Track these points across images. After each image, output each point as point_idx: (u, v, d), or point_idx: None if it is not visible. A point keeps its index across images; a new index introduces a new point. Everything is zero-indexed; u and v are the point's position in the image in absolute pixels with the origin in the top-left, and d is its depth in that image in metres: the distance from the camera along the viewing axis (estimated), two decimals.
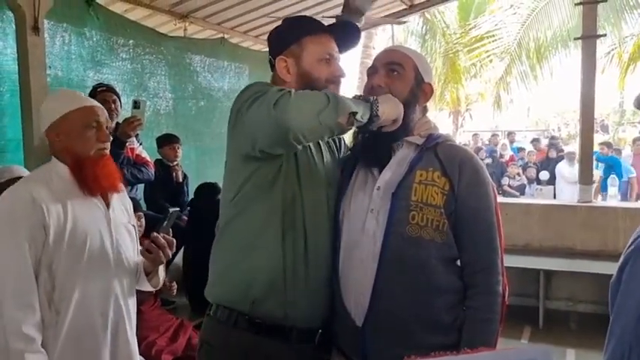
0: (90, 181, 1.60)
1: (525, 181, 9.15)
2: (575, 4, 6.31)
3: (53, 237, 1.49)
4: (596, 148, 7.43)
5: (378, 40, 13.16)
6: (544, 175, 9.02)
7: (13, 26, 3.19)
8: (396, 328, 1.37)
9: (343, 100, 1.31)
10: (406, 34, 14.90)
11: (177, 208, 1.66)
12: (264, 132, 1.30)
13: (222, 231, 1.49)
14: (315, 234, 1.44)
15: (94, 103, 1.70)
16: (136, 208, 2.99)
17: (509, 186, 9.05)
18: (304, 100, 1.29)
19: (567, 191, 7.63)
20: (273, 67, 1.51)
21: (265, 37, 6.01)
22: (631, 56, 12.17)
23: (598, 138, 11.07)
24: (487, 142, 12.71)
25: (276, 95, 1.28)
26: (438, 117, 16.18)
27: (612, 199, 6.56)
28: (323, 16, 4.96)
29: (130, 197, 3.19)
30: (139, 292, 2.85)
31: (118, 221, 1.69)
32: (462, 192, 1.37)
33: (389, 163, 1.43)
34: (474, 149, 10.34)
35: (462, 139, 14.76)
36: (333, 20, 4.83)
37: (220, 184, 3.51)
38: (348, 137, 1.67)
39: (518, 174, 9.28)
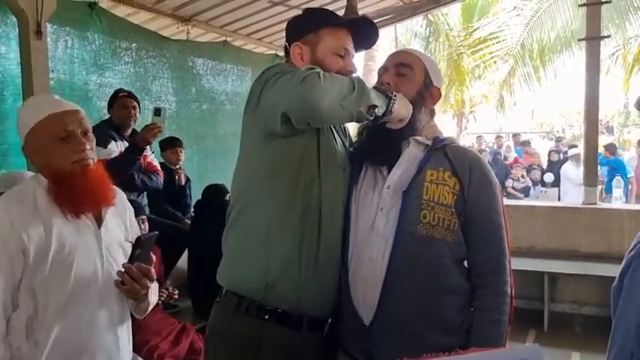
0: (68, 203, 1.41)
1: (530, 183, 9.12)
2: (579, 6, 6.30)
3: (34, 260, 1.33)
4: (600, 149, 7.40)
5: (382, 42, 13.18)
6: (548, 177, 8.98)
7: (16, 30, 3.20)
8: (404, 327, 1.36)
9: (368, 89, 1.31)
10: (410, 37, 14.91)
11: (156, 232, 1.45)
12: (289, 106, 1.30)
13: (238, 214, 1.46)
14: (331, 218, 1.43)
15: (63, 107, 1.51)
16: (138, 211, 2.99)
17: (513, 188, 9.02)
18: (332, 82, 1.28)
19: (573, 193, 7.59)
20: (287, 53, 1.53)
21: (268, 39, 6.05)
22: (635, 57, 12.12)
23: (603, 139, 11.05)
24: (491, 145, 12.70)
25: (305, 72, 1.27)
26: (442, 119, 16.16)
27: (617, 200, 6.52)
28: None
29: (132, 200, 3.21)
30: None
31: (111, 239, 1.50)
32: (472, 193, 1.38)
33: (398, 161, 1.44)
34: (477, 151, 10.32)
35: (466, 141, 14.73)
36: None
37: (225, 186, 3.53)
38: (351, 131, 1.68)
39: (523, 176, 9.25)
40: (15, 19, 3.18)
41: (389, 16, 5.87)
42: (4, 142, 3.45)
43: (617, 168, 8.40)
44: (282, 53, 1.67)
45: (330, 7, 5.15)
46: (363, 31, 1.54)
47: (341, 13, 4.74)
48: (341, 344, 1.48)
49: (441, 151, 1.43)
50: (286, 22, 1.60)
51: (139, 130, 3.54)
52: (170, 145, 4.11)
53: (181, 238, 3.57)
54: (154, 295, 1.62)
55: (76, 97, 3.98)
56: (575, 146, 9.38)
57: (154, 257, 1.55)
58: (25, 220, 1.35)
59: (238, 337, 1.42)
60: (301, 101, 1.26)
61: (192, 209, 4.14)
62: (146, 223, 3.00)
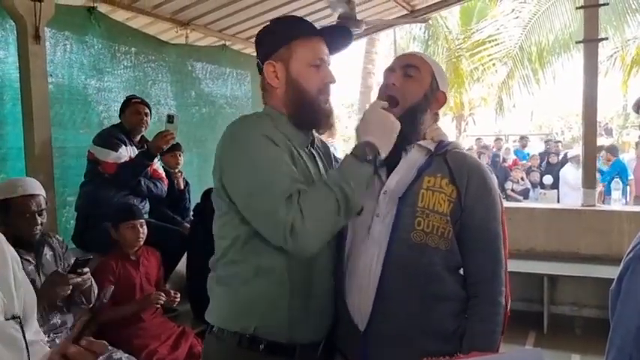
0: None
1: (529, 186, 9.13)
2: (577, 8, 6.32)
3: None
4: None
5: (381, 45, 13.22)
6: (547, 179, 8.99)
7: (15, 35, 3.20)
8: (398, 334, 1.36)
9: (352, 196, 1.24)
10: (408, 40, 14.93)
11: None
12: (272, 240, 1.27)
13: (220, 260, 1.41)
14: (320, 254, 1.36)
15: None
16: (135, 215, 2.99)
17: (512, 190, 9.03)
18: (319, 220, 1.22)
19: (572, 195, 7.58)
20: (261, 70, 1.44)
21: None
22: (634, 59, 12.15)
23: (602, 141, 11.06)
24: (491, 146, 12.68)
25: (286, 217, 1.19)
26: (442, 122, 16.11)
27: (616, 202, 6.51)
28: (322, 20, 4.99)
29: (133, 204, 3.22)
30: (142, 299, 2.87)
31: None
32: (469, 201, 1.37)
33: (397, 167, 1.42)
34: (476, 153, 10.33)
35: (465, 143, 14.73)
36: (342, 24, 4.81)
37: None
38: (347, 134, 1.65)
39: (522, 178, 9.25)
40: (13, 23, 3.18)
41: (388, 20, 5.88)
42: (3, 147, 3.45)
43: (619, 172, 8.34)
44: None
45: (329, 12, 5.17)
46: (337, 37, 1.47)
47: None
48: (338, 348, 1.48)
49: (442, 156, 1.42)
50: (255, 37, 1.49)
51: (146, 136, 3.57)
52: (169, 149, 4.10)
53: (180, 242, 3.57)
54: None
55: (75, 102, 3.99)
56: (571, 148, 9.37)
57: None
58: None
59: None
60: (293, 250, 1.24)
61: (191, 213, 4.14)
62: (145, 227, 3.00)
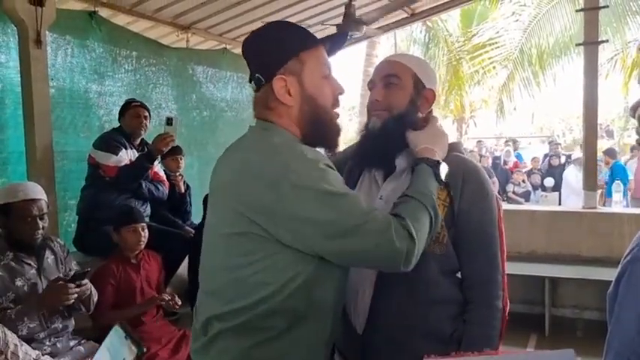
0: None
1: (530, 188, 9.12)
2: (577, 11, 6.32)
3: None
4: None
5: (381, 48, 13.22)
6: (549, 181, 8.98)
7: (16, 39, 3.21)
8: (395, 337, 1.36)
9: (437, 209, 1.23)
10: (409, 42, 14.94)
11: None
12: (369, 264, 1.23)
13: (251, 311, 1.17)
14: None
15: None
16: (137, 219, 2.99)
17: (514, 193, 9.02)
18: (424, 239, 1.19)
19: (574, 198, 7.56)
20: (258, 84, 1.25)
21: None
22: (634, 61, 12.14)
23: (603, 143, 11.04)
24: (492, 149, 12.69)
25: (400, 246, 1.12)
26: (443, 124, 16.14)
27: (617, 204, 6.50)
28: (323, 23, 5.00)
29: (134, 207, 3.22)
30: (142, 302, 2.87)
31: None
32: (463, 206, 1.36)
33: (394, 173, 1.42)
34: (477, 155, 10.33)
35: (466, 146, 14.73)
36: (334, 29, 4.84)
37: None
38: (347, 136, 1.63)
39: (523, 181, 9.25)
40: (15, 28, 3.20)
41: (388, 23, 5.89)
42: (4, 151, 3.46)
43: (619, 174, 8.31)
44: None
45: (329, 15, 5.20)
46: (337, 43, 1.37)
47: (340, 20, 4.77)
48: (338, 349, 1.49)
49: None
50: (245, 45, 1.30)
51: (146, 139, 3.59)
52: (170, 152, 4.11)
53: (182, 245, 3.58)
54: None
55: (76, 106, 4.00)
56: (572, 150, 9.37)
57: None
58: None
59: None
60: (397, 269, 1.16)
61: (192, 216, 4.14)
62: (146, 231, 3.00)
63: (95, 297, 2.53)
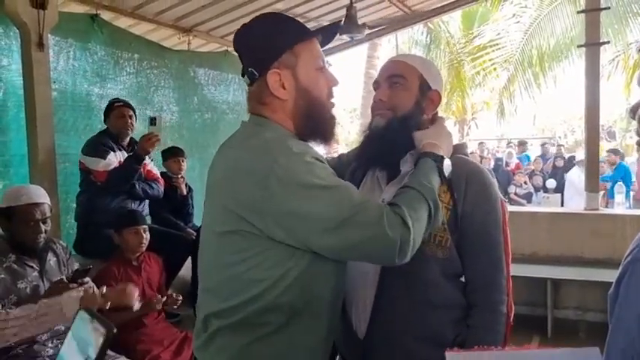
0: None
1: (532, 189, 9.11)
2: (578, 12, 6.32)
3: None
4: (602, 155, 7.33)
5: (383, 50, 13.23)
6: (551, 183, 8.96)
7: (19, 42, 3.22)
8: (397, 342, 1.35)
9: (437, 201, 1.20)
10: (410, 44, 14.95)
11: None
12: (375, 260, 1.23)
13: (246, 308, 1.17)
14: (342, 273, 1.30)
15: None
16: (138, 221, 3.00)
17: (515, 194, 9.01)
18: (421, 230, 1.16)
19: (578, 199, 7.54)
20: (251, 78, 1.24)
21: None
22: (636, 62, 12.11)
23: (605, 145, 11.01)
24: (494, 150, 12.68)
25: (394, 235, 1.09)
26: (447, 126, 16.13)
27: (619, 206, 6.49)
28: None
29: (133, 210, 3.23)
30: (143, 304, 2.87)
31: None
32: (467, 208, 1.33)
33: (397, 176, 1.40)
34: (478, 157, 10.32)
35: (468, 147, 14.71)
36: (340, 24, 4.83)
37: None
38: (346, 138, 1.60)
39: (525, 182, 9.23)
40: (17, 31, 3.21)
41: (388, 24, 5.90)
42: (6, 154, 3.47)
43: (623, 176, 8.28)
44: None
45: (331, 17, 5.20)
46: (330, 34, 1.34)
47: (341, 22, 4.77)
48: (340, 353, 1.48)
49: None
50: (237, 38, 1.28)
51: (136, 138, 3.57)
52: (172, 154, 4.12)
53: (183, 247, 3.58)
54: None
55: (78, 108, 4.01)
56: (574, 151, 9.36)
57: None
58: None
59: None
60: (392, 260, 1.13)
61: (194, 218, 4.15)
62: (147, 233, 3.00)
63: None
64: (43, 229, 2.35)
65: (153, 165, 3.71)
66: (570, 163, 9.46)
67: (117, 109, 3.48)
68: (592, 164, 4.83)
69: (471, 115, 17.27)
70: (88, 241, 3.37)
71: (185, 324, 3.35)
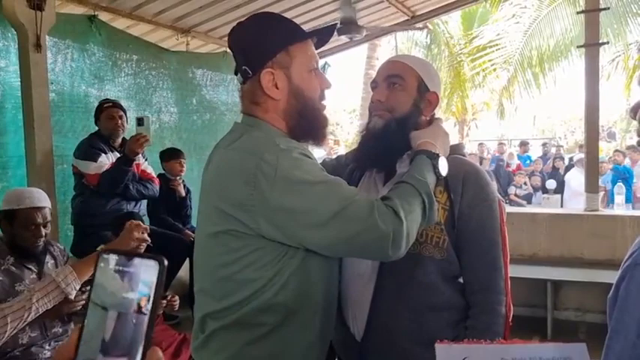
0: None
1: (532, 190, 9.10)
2: (577, 13, 6.32)
3: None
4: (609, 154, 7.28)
5: (382, 51, 13.23)
6: (551, 184, 8.96)
7: (16, 44, 3.21)
8: (395, 344, 1.34)
9: (432, 196, 1.20)
10: (410, 45, 14.95)
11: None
12: (368, 256, 1.22)
13: (241, 309, 1.17)
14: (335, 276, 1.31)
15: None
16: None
17: (515, 195, 9.00)
18: (414, 223, 1.14)
19: (574, 201, 7.53)
20: (244, 76, 1.24)
21: None
22: (636, 63, 12.11)
23: (605, 145, 11.02)
24: (495, 151, 12.68)
25: (386, 228, 1.08)
26: (444, 126, 16.14)
27: (619, 207, 6.47)
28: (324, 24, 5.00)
29: (131, 211, 3.21)
30: None
31: None
32: (464, 209, 1.33)
33: (393, 177, 1.39)
34: (478, 158, 10.32)
35: (468, 148, 14.72)
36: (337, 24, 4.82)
37: None
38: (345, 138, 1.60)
39: (525, 183, 9.23)
40: (15, 32, 3.20)
41: (388, 25, 5.89)
42: (4, 155, 3.46)
43: (627, 178, 8.23)
44: None
45: (328, 19, 5.20)
46: (325, 36, 1.34)
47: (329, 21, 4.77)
48: (337, 355, 1.47)
49: None
50: (232, 36, 1.28)
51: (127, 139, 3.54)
52: (172, 156, 4.12)
53: (181, 249, 3.57)
54: None
55: (76, 110, 4.00)
56: (574, 152, 9.35)
57: None
58: None
59: None
60: (386, 254, 1.12)
61: (193, 220, 4.14)
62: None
63: None
64: (44, 233, 2.34)
65: (147, 165, 3.68)
66: (570, 163, 9.45)
67: (106, 110, 3.44)
68: (592, 165, 4.83)
69: (472, 116, 17.25)
70: (85, 244, 3.35)
71: (184, 326, 3.34)
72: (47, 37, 3.27)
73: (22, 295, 2.02)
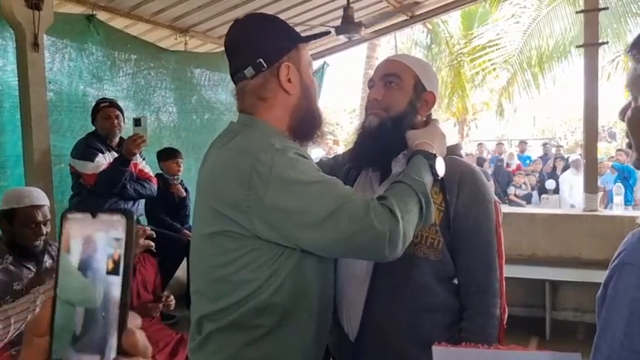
0: None
1: (531, 190, 9.11)
2: (577, 12, 6.31)
3: None
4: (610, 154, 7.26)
5: (382, 50, 13.23)
6: (550, 184, 8.96)
7: (14, 43, 3.21)
8: (388, 345, 1.33)
9: (428, 196, 1.19)
10: (410, 44, 14.95)
11: None
12: (364, 256, 1.21)
13: (237, 310, 1.17)
14: (330, 277, 1.32)
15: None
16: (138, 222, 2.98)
17: (515, 195, 9.00)
18: (411, 223, 1.14)
19: (569, 201, 7.54)
20: (257, 72, 1.20)
21: None
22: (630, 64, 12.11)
23: (605, 146, 11.02)
24: (493, 152, 12.68)
25: (382, 227, 1.07)
26: (444, 127, 16.13)
27: (618, 207, 6.47)
28: (322, 25, 4.99)
29: (128, 210, 3.21)
30: (139, 307, 2.86)
31: None
32: (459, 209, 1.32)
33: (389, 177, 1.39)
34: (477, 158, 10.31)
35: (467, 148, 14.71)
36: (332, 30, 4.83)
37: None
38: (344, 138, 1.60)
39: (525, 183, 9.23)
40: (12, 31, 3.20)
41: (387, 25, 5.88)
42: (1, 155, 3.46)
43: (628, 177, 8.21)
44: None
45: (328, 17, 5.20)
46: (315, 38, 1.37)
47: (338, 22, 4.77)
48: (332, 355, 1.47)
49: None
50: (237, 29, 1.25)
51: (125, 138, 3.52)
52: (169, 156, 4.11)
53: (179, 249, 3.57)
54: None
55: (74, 109, 4.00)
56: (573, 152, 9.35)
57: None
58: None
59: None
60: (383, 254, 1.11)
61: (191, 219, 4.13)
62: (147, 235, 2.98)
63: None
64: (44, 232, 2.35)
65: (145, 164, 3.67)
66: (567, 164, 9.45)
67: (102, 110, 3.42)
68: (590, 165, 4.82)
69: (472, 116, 17.23)
70: None
71: (181, 325, 3.34)
72: (45, 36, 3.27)
73: (26, 297, 2.02)
